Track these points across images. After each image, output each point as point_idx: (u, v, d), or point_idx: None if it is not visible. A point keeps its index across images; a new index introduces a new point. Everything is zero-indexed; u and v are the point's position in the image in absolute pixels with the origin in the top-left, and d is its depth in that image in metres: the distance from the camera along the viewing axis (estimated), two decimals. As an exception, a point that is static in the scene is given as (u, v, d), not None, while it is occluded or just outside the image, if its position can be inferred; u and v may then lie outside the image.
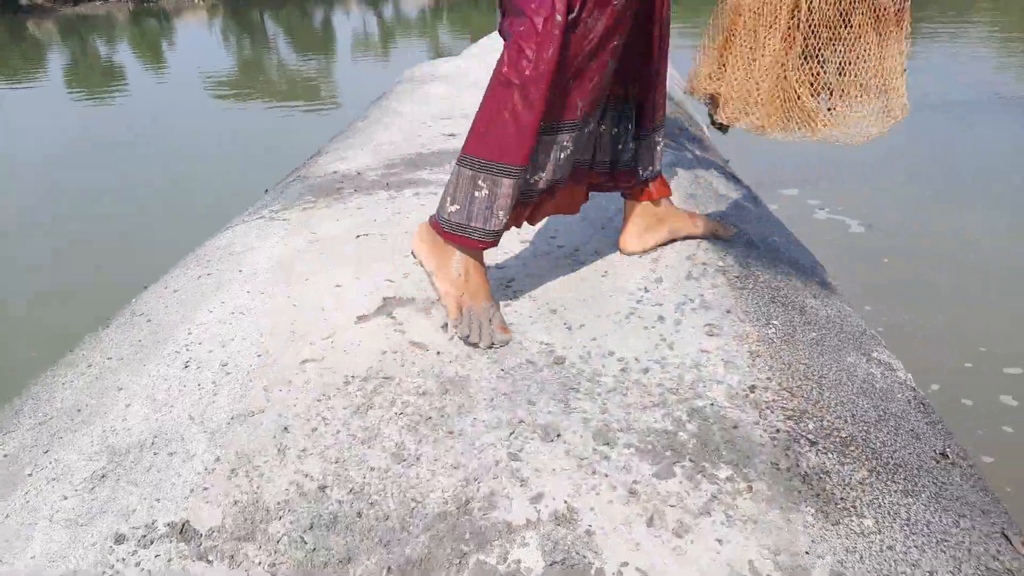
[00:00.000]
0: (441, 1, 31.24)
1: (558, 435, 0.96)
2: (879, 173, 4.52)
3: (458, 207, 1.20)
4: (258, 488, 0.90)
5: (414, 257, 1.28)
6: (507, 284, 1.40)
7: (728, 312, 1.24)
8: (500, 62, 1.17)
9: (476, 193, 1.18)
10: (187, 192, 5.30)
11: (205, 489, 0.90)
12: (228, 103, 9.71)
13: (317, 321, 1.29)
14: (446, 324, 1.25)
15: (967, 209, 3.81)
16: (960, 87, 6.89)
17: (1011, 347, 2.38)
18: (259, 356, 1.19)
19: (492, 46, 5.17)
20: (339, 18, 31.08)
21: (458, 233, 1.21)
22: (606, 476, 0.88)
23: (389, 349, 1.19)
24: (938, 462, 0.95)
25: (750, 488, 0.86)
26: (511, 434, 0.97)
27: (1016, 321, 2.58)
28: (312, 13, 32.86)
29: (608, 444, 0.94)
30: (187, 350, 1.23)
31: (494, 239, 1.21)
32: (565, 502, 0.85)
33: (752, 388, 1.04)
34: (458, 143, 2.42)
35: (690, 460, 0.91)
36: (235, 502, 0.88)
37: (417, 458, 0.94)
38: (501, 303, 1.32)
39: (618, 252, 1.51)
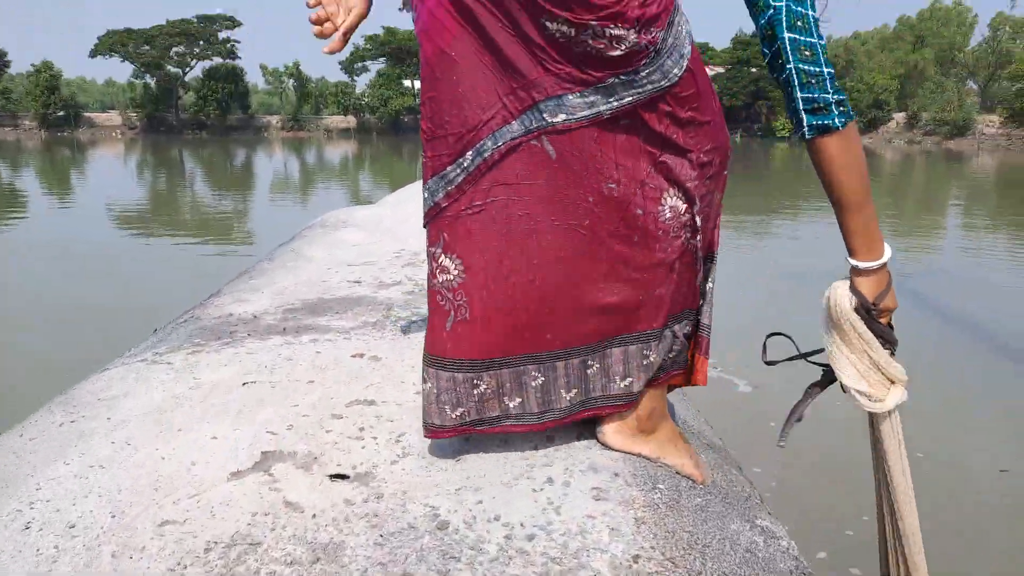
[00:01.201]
0: (363, 152, 32.56)
1: (434, 611, 0.90)
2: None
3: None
4: None
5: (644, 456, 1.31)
6: (397, 439, 1.36)
7: (616, 475, 1.24)
8: None
9: None
10: (71, 329, 5.01)
11: None
12: (134, 237, 9.48)
13: (185, 477, 1.20)
14: (331, 476, 1.19)
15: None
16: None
17: (893, 508, 2.45)
18: (113, 517, 1.08)
19: (410, 195, 5.34)
20: (261, 160, 31.67)
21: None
22: (481, 659, 0.82)
23: (261, 510, 1.11)
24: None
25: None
26: (383, 610, 0.90)
27: (896, 482, 2.67)
28: (234, 154, 33.40)
29: (486, 621, 0.88)
30: (31, 508, 1.11)
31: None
32: None
33: (636, 558, 1.02)
34: (364, 290, 2.42)
35: (571, 640, 0.86)
36: None
37: (276, 639, 0.85)
38: (390, 462, 1.27)
39: None
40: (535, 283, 1.13)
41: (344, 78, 52.76)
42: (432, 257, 1.18)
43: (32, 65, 46.81)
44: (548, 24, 1.01)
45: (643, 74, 1.05)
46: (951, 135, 37.52)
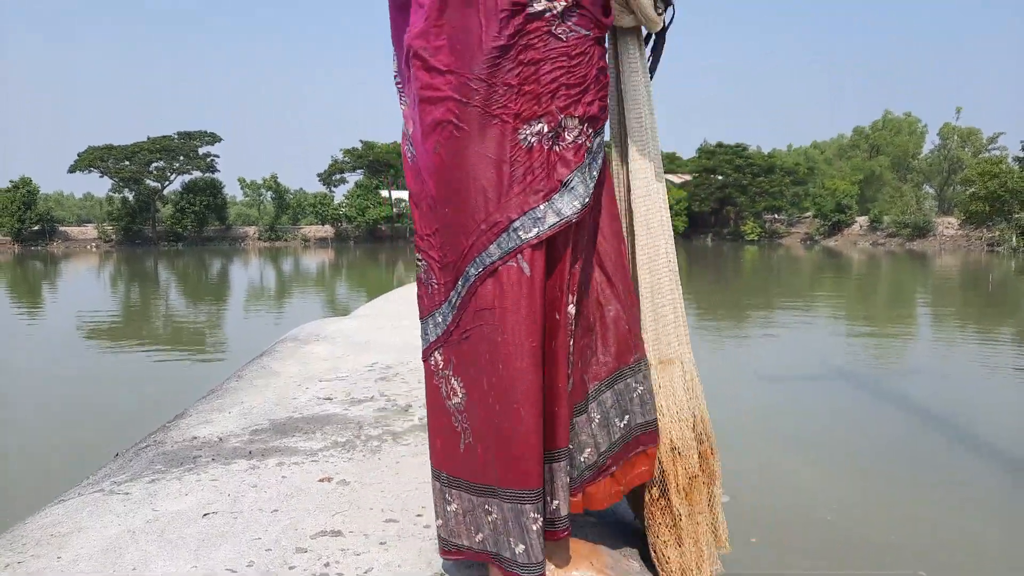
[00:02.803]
0: (340, 260, 32.85)
1: None
2: (745, 440, 4.74)
3: None
4: None
5: None
6: (364, 574, 1.29)
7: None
8: None
9: None
10: (29, 455, 4.80)
11: None
12: (103, 350, 9.31)
13: (135, 625, 1.12)
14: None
15: (830, 477, 3.98)
16: (800, 362, 7.59)
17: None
18: (51, 675, 1.00)
19: (383, 307, 5.34)
20: (236, 270, 31.77)
21: None
22: None
23: (214, 662, 1.03)
24: None
25: None
26: None
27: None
28: (209, 264, 33.50)
29: None
30: (-39, 667, 1.02)
31: None
32: None
33: None
34: (334, 408, 2.37)
35: None
36: None
37: None
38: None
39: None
40: (517, 410, 1.10)
41: (322, 189, 53.92)
42: (446, 380, 1.19)
43: (10, 181, 47.32)
44: (524, 128, 1.09)
45: (585, 173, 1.14)
46: (913, 236, 38.93)
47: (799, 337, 9.07)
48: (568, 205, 1.11)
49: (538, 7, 1.08)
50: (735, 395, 6.03)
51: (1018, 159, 38.69)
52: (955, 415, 5.38)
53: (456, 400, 1.16)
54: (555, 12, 1.09)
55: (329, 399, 2.45)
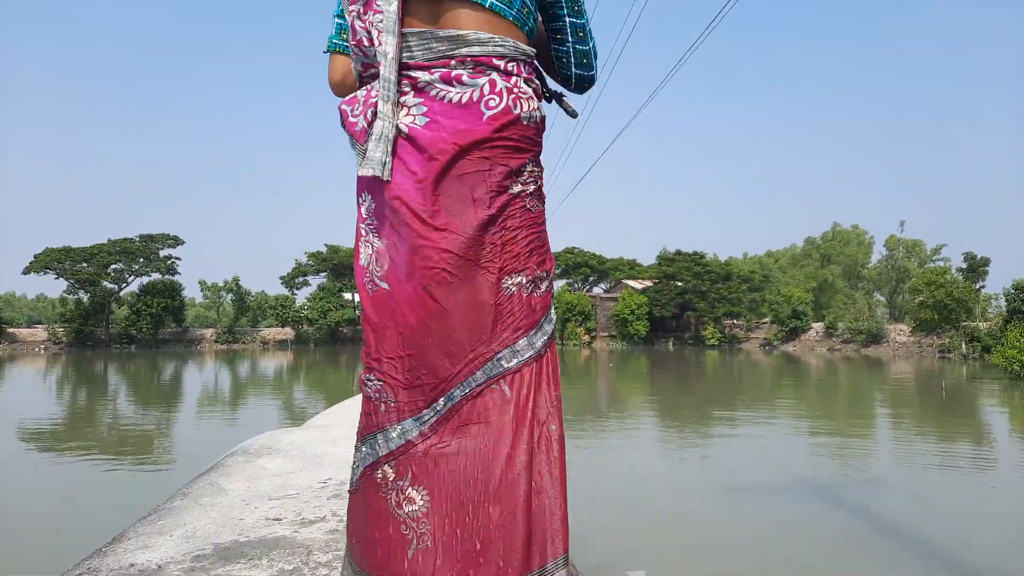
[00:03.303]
0: (299, 363, 32.23)
1: None
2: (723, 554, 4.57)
3: None
4: None
5: None
6: None
7: None
8: None
9: None
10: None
11: None
12: (43, 459, 8.77)
13: None
14: None
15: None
16: (766, 473, 7.49)
17: None
18: None
19: (340, 414, 5.16)
20: (190, 373, 30.93)
21: None
22: None
23: None
24: None
25: None
26: None
27: None
28: (163, 367, 32.57)
29: None
30: None
31: None
32: None
33: None
34: (283, 529, 2.21)
35: None
36: None
37: None
38: None
39: None
40: (488, 512, 1.22)
41: (284, 291, 53.61)
42: (398, 490, 1.27)
43: (-40, 281, 46.17)
44: (507, 279, 1.33)
45: (551, 314, 1.40)
46: (868, 343, 39.89)
47: (764, 445, 9.00)
48: (540, 340, 1.34)
49: (516, 189, 1.35)
50: (699, 510, 5.88)
51: (960, 270, 40.53)
52: (916, 527, 5.29)
53: (413, 508, 1.25)
54: (527, 192, 1.37)
55: (278, 519, 2.29)
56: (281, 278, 53.21)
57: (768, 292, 49.14)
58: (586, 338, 49.85)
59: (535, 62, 1.44)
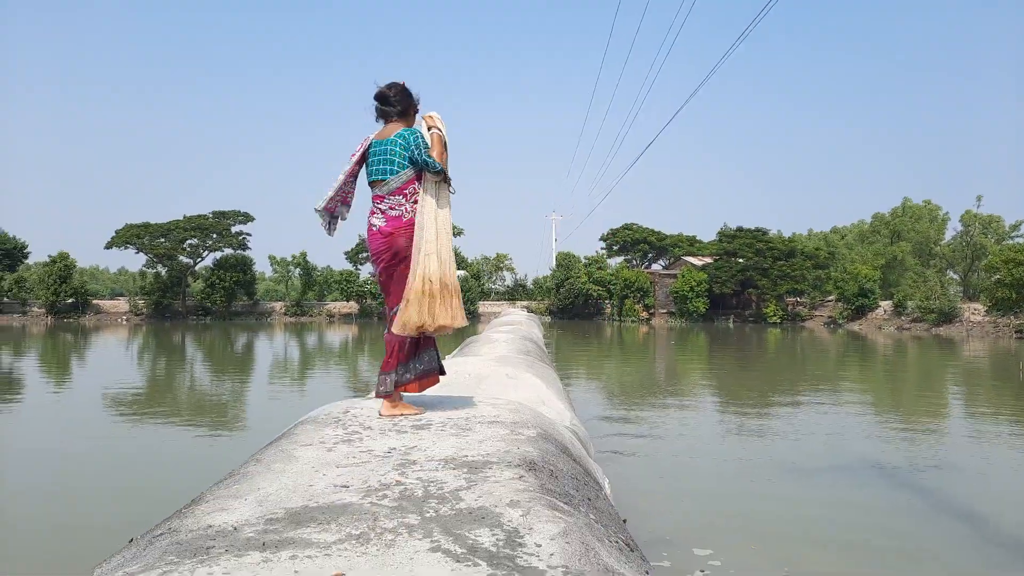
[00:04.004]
0: (364, 335, 33.06)
1: None
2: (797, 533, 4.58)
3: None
4: None
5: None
6: None
7: None
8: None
9: None
10: (44, 534, 4.76)
11: None
12: (128, 423, 9.32)
13: None
14: None
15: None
16: (843, 453, 7.37)
17: None
18: None
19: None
20: (262, 343, 32.06)
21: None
22: None
23: None
24: None
25: None
26: None
27: None
28: (236, 338, 33.86)
29: None
30: None
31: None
32: None
33: None
34: (350, 496, 2.36)
35: None
36: None
37: None
38: None
39: None
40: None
41: (349, 266, 54.79)
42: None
43: (49, 256, 48.79)
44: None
45: None
46: (939, 322, 38.37)
47: (834, 424, 8.84)
48: None
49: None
50: (764, 492, 5.87)
51: (1044, 246, 38.39)
52: (994, 513, 5.17)
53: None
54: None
55: (346, 487, 2.44)
56: (345, 253, 54.38)
57: (833, 269, 47.65)
58: (644, 315, 49.43)
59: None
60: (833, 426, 8.93)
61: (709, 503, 5.45)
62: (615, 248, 59.14)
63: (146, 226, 50.77)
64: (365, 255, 54.13)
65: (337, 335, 37.10)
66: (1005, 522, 4.99)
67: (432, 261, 3.30)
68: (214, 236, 51.78)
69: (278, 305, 54.61)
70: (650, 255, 59.53)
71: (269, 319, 51.92)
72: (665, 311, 49.89)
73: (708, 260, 50.34)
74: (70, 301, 48.82)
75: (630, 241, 57.91)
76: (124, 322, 48.43)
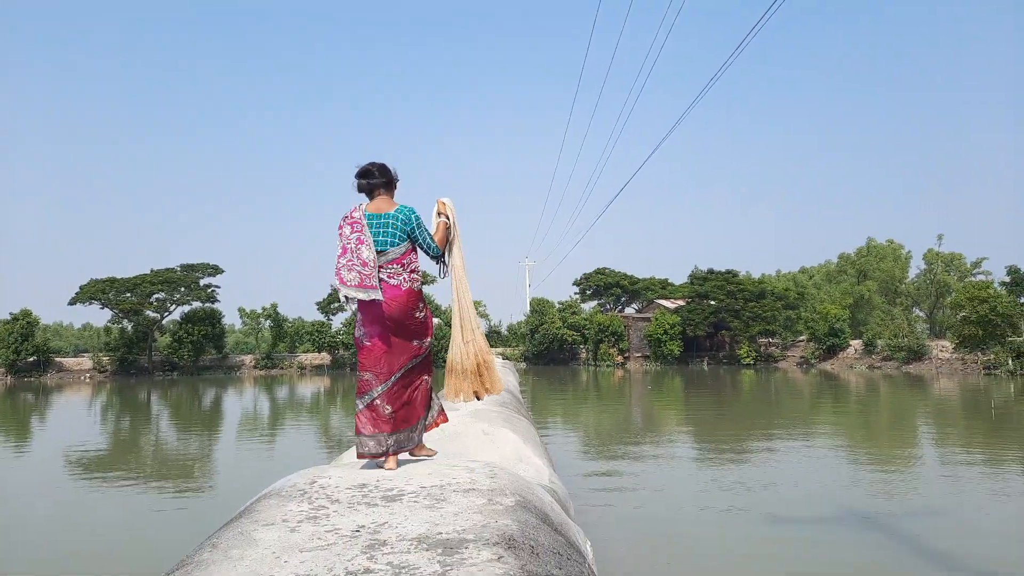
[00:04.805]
0: (335, 387, 32.43)
1: None
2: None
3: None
4: None
5: None
6: None
7: None
8: None
9: None
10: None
11: None
12: (88, 487, 8.88)
13: None
14: None
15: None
16: (812, 500, 7.25)
17: None
18: None
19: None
20: (231, 399, 31.30)
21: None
22: None
23: None
24: None
25: None
26: None
27: None
28: (203, 393, 33.04)
29: None
30: None
31: None
32: None
33: None
34: (314, 583, 2.18)
35: None
36: None
37: None
38: None
39: None
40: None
41: (320, 317, 54.17)
42: (381, 403, 3.51)
43: (10, 313, 47.52)
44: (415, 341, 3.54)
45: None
46: (908, 360, 38.86)
47: (805, 470, 8.75)
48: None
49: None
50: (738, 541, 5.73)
51: (1004, 284, 39.38)
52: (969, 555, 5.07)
53: (388, 411, 3.45)
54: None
55: None
56: (317, 304, 53.82)
57: (803, 309, 48.26)
58: (619, 359, 49.41)
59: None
60: (813, 473, 8.83)
61: (692, 565, 5.29)
62: (588, 292, 59.39)
63: (111, 281, 49.83)
64: (336, 305, 53.68)
65: (308, 388, 36.43)
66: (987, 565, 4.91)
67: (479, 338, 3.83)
68: (182, 289, 50.96)
69: (248, 358, 53.62)
70: (623, 299, 59.85)
71: (238, 372, 50.92)
72: (640, 355, 49.93)
73: (681, 303, 50.71)
74: (31, 359, 47.47)
75: (603, 285, 58.22)
76: (88, 380, 47.13)
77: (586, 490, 7.63)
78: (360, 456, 3.41)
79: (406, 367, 3.47)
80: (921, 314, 57.51)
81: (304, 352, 54.11)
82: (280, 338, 56.81)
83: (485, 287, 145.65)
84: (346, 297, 3.40)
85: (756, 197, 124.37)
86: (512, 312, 79.68)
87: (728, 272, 50.32)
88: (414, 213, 3.53)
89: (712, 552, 5.40)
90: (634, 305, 59.82)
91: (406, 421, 3.49)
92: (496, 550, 2.34)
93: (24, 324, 46.80)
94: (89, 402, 30.15)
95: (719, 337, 49.59)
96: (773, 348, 48.58)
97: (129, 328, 50.45)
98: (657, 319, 48.14)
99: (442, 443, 5.09)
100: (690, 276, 53.24)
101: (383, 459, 3.43)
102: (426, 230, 3.55)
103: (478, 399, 3.80)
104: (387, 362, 3.44)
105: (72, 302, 49.66)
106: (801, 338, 47.76)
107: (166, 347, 50.50)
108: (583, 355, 51.88)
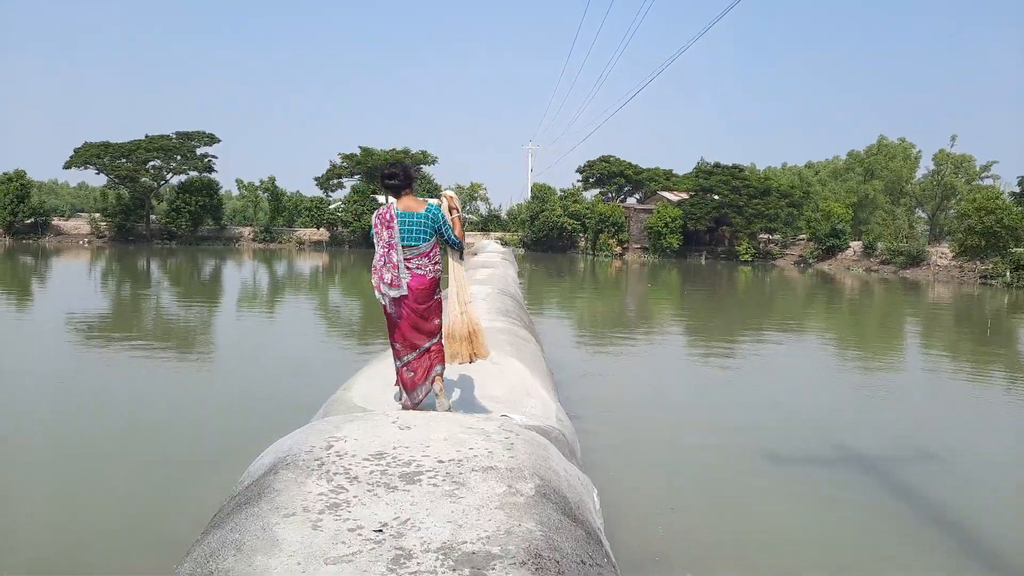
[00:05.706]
0: (334, 265, 32.52)
1: None
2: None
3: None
4: None
5: None
6: None
7: None
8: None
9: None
10: None
11: None
12: (90, 347, 8.95)
13: None
14: None
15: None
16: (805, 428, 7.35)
17: None
18: None
19: (384, 376, 5.16)
20: (229, 270, 31.43)
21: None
22: None
23: None
24: None
25: None
26: None
27: None
28: (202, 264, 33.17)
29: None
30: None
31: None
32: None
33: None
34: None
35: None
36: None
37: None
38: None
39: None
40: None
41: (319, 193, 53.57)
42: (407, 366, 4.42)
43: (4, 173, 46.77)
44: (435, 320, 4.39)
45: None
46: (907, 264, 38.96)
47: (797, 384, 8.87)
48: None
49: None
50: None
51: (1014, 194, 38.84)
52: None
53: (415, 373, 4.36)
54: None
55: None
56: (315, 179, 53.02)
57: (807, 208, 47.82)
58: (618, 250, 49.42)
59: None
60: (803, 385, 8.97)
61: (693, 505, 5.44)
62: (591, 180, 58.53)
63: (106, 145, 48.72)
64: (336, 181, 52.99)
65: (307, 263, 36.56)
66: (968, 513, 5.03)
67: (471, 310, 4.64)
68: (178, 158, 49.98)
69: (246, 230, 53.45)
70: (626, 188, 59.11)
71: (237, 245, 50.91)
72: (639, 246, 49.91)
73: (684, 196, 50.13)
74: (29, 222, 47.23)
75: (607, 174, 57.32)
76: (86, 244, 47.13)
77: (581, 398, 7.75)
78: (405, 408, 4.29)
79: (423, 347, 4.32)
80: (924, 215, 57.16)
81: (303, 227, 53.88)
82: (278, 212, 56.42)
83: (486, 170, 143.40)
84: (383, 295, 4.18)
85: (768, 88, 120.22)
86: (513, 197, 78.58)
87: (734, 167, 49.43)
88: (440, 212, 4.27)
89: (712, 498, 5.53)
90: (636, 195, 59.15)
91: (426, 374, 4.36)
92: (523, 573, 2.32)
93: (18, 185, 46.18)
94: (89, 268, 30.26)
95: (719, 232, 49.42)
96: (772, 246, 48.55)
97: (126, 194, 49.91)
98: (659, 211, 47.74)
99: (457, 371, 5.18)
100: (696, 168, 52.30)
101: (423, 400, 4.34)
102: (450, 226, 4.31)
103: (471, 362, 4.59)
104: (412, 339, 4.30)
105: (67, 166, 48.80)
106: (801, 236, 47.63)
107: (164, 216, 50.19)
108: (582, 244, 51.83)
